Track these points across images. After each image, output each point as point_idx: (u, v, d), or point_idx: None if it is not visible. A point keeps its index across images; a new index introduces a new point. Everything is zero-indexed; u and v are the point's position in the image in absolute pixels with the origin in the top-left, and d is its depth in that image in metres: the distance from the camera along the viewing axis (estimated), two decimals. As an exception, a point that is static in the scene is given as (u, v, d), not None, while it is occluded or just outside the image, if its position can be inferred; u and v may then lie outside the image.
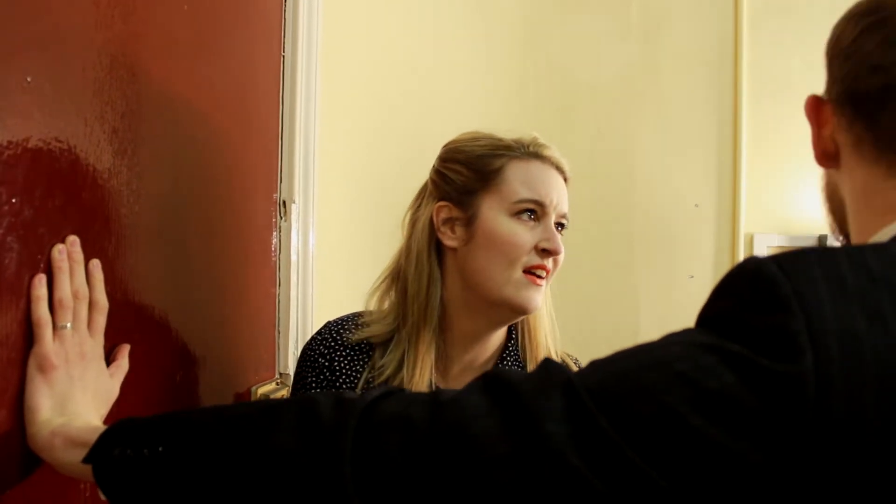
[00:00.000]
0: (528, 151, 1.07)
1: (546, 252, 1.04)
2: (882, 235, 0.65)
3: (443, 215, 1.07)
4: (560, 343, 1.16)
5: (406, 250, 1.10)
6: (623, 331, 2.60)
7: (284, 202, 1.24)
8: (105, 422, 0.77)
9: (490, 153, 1.06)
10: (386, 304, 1.12)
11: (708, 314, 0.59)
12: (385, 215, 1.61)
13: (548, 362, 0.60)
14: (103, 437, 0.67)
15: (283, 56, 1.26)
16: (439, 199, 1.08)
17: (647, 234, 2.70)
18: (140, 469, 0.64)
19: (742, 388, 0.52)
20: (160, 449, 0.64)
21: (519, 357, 1.12)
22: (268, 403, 0.67)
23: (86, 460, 0.67)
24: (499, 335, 1.11)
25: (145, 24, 0.90)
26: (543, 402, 0.56)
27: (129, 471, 0.65)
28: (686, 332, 0.59)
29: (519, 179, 1.05)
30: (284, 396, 1.21)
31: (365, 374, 1.07)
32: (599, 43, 2.61)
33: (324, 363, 1.07)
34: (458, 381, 1.09)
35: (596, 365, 0.59)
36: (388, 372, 1.05)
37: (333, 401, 0.63)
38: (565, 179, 1.10)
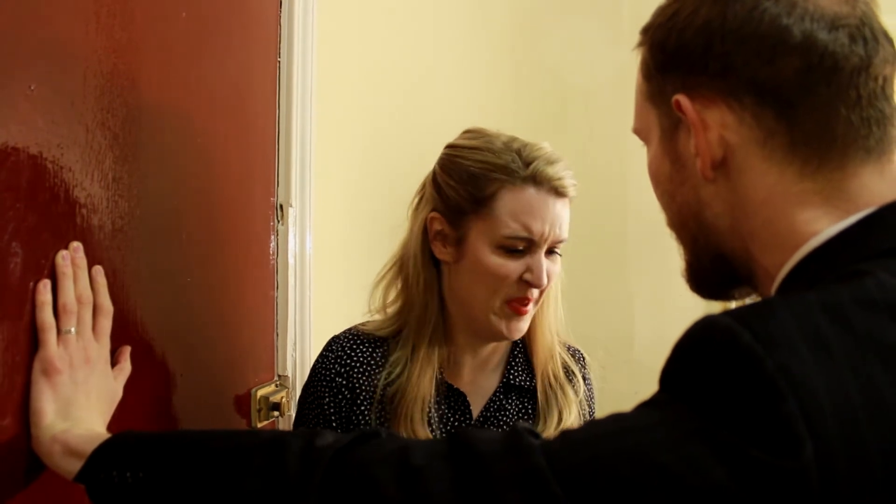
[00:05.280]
0: (525, 175, 1.00)
1: (528, 284, 1.01)
2: (806, 248, 0.57)
3: (435, 227, 1.06)
4: (564, 331, 1.15)
5: (407, 245, 1.10)
6: (618, 334, 2.61)
7: (282, 206, 1.25)
8: (108, 424, 0.78)
9: (484, 174, 1.01)
10: (392, 294, 1.12)
11: (680, 383, 0.52)
12: (381, 218, 1.62)
13: (517, 435, 0.55)
14: (93, 457, 0.68)
15: (280, 62, 1.27)
16: (434, 208, 1.07)
17: (641, 236, 2.70)
18: (123, 492, 0.66)
19: (731, 484, 0.47)
20: (141, 475, 0.66)
21: (528, 356, 1.13)
22: (248, 440, 0.68)
23: (77, 479, 0.69)
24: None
25: (144, 32, 0.91)
26: (508, 489, 0.52)
27: (115, 493, 0.67)
28: (666, 406, 0.52)
29: (509, 212, 0.99)
30: (283, 398, 1.22)
31: (382, 381, 1.06)
32: (591, 47, 2.61)
33: (342, 382, 1.06)
34: (474, 384, 1.10)
35: (568, 442, 0.54)
36: (396, 371, 1.06)
37: (303, 446, 0.63)
38: (568, 198, 1.03)
